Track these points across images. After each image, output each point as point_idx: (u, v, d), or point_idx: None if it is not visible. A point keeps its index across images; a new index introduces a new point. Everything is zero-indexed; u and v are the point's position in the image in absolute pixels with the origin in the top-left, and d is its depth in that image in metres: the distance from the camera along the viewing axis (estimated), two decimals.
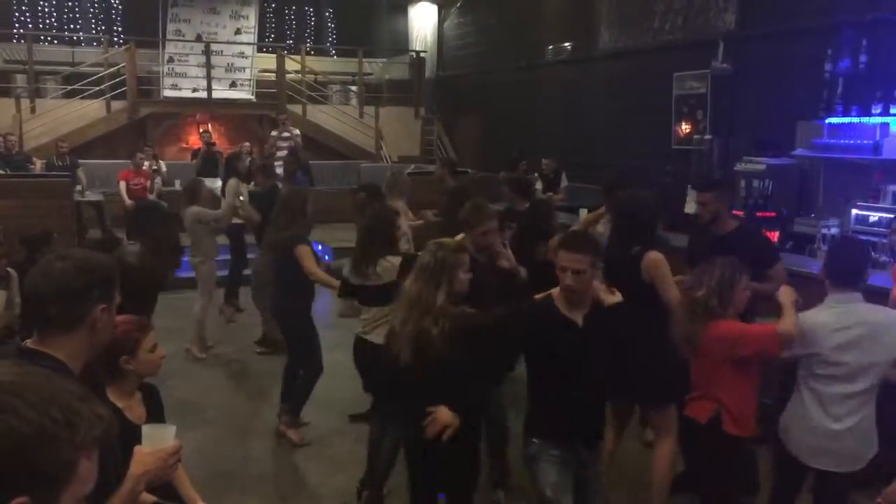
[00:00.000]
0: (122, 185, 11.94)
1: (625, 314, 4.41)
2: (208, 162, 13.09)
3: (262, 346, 7.98)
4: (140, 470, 2.13)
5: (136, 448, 2.19)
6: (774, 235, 6.93)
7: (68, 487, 1.16)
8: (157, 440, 2.31)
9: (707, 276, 3.68)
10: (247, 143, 13.48)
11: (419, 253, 3.83)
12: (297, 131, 13.90)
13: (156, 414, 3.21)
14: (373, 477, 4.79)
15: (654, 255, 4.44)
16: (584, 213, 6.08)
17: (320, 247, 6.26)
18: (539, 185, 11.39)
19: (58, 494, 1.15)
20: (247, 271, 8.93)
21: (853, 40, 7.32)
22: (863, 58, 7.17)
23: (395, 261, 4.69)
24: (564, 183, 11.21)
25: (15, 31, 16.47)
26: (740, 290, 3.69)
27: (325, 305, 8.59)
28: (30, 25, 16.65)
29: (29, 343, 2.10)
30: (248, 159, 11.83)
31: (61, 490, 1.16)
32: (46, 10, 17.13)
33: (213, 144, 13.92)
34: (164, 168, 13.58)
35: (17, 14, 16.83)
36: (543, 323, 3.50)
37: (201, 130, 15.23)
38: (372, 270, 4.74)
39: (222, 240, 8.61)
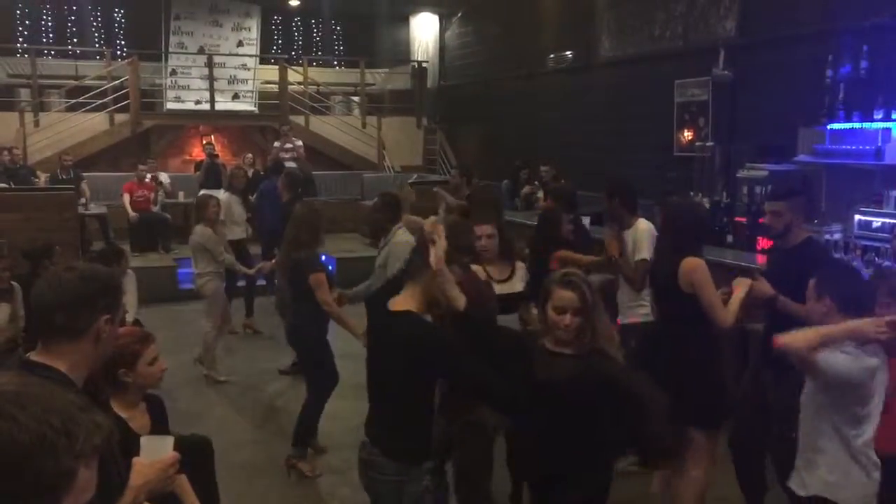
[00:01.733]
0: (126, 197, 11.99)
1: (668, 332, 4.25)
2: (211, 174, 13.11)
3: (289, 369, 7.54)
4: (140, 481, 2.16)
5: (135, 460, 2.20)
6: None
7: (67, 496, 1.17)
8: (155, 451, 2.32)
9: None
10: (249, 155, 13.51)
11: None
12: (300, 142, 13.93)
13: (160, 424, 3.22)
14: None
15: (692, 261, 4.09)
16: (586, 221, 6.00)
17: (324, 257, 6.16)
18: (540, 194, 11.41)
19: (57, 503, 1.16)
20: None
21: (854, 46, 7.34)
22: (864, 63, 7.19)
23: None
24: None
25: (18, 45, 16.55)
26: None
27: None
28: (34, 40, 16.73)
29: (32, 355, 2.12)
30: (251, 171, 11.87)
31: (60, 499, 1.16)
32: (50, 24, 17.21)
33: (217, 156, 13.96)
34: (167, 180, 13.61)
35: (20, 28, 16.91)
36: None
37: (204, 142, 15.28)
38: None
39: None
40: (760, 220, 7.20)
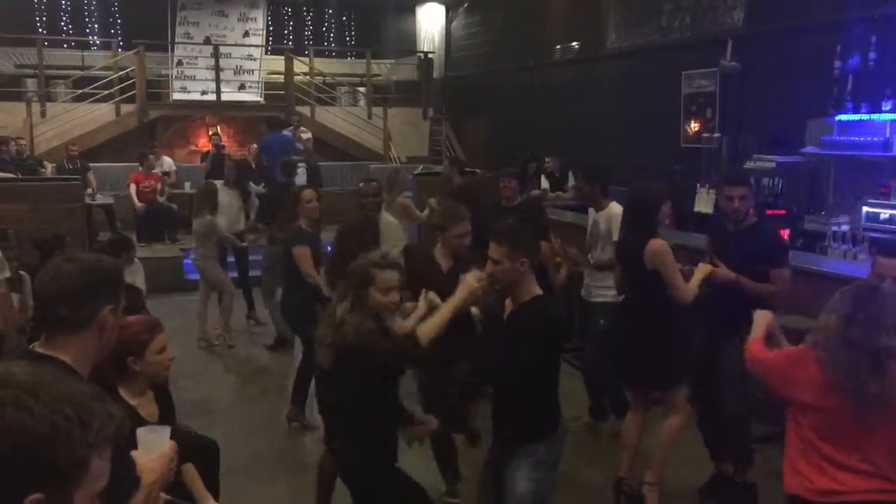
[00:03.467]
0: (133, 187, 12.00)
1: (633, 303, 4.77)
2: (217, 164, 13.12)
3: (274, 344, 8.06)
4: (152, 478, 2.19)
5: (136, 454, 2.21)
6: (785, 233, 6.91)
7: (81, 485, 1.18)
8: (154, 443, 2.32)
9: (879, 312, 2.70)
10: (254, 146, 13.50)
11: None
12: (309, 134, 13.85)
13: (167, 413, 3.24)
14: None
15: (656, 244, 4.49)
16: (592, 212, 6.11)
17: (329, 248, 6.30)
18: (546, 185, 11.39)
19: (71, 491, 1.17)
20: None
21: (862, 36, 7.30)
22: (872, 54, 7.15)
23: None
24: (572, 182, 11.20)
25: (25, 35, 16.55)
26: None
27: None
28: (41, 31, 16.73)
29: (36, 346, 2.13)
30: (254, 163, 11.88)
31: (75, 487, 1.17)
32: (56, 14, 17.20)
33: (223, 147, 13.96)
34: (171, 167, 13.63)
35: (27, 18, 16.91)
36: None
37: (211, 133, 15.29)
38: None
39: None
40: (769, 212, 7.20)
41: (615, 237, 5.39)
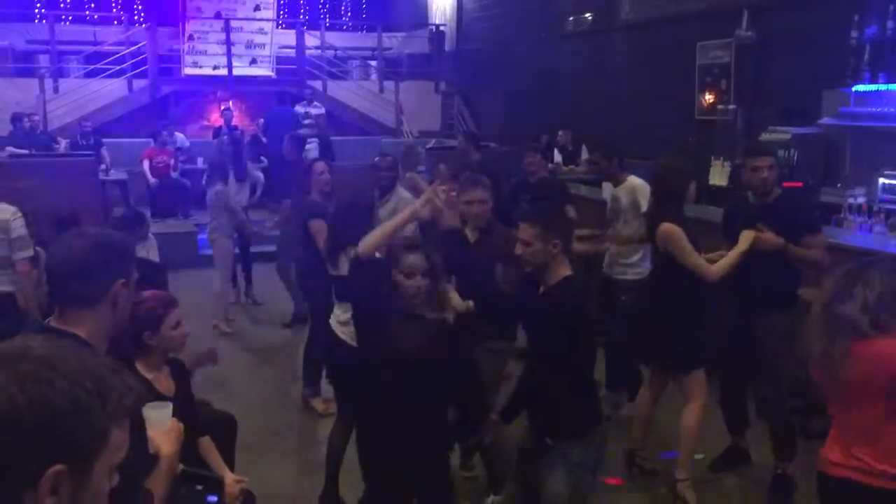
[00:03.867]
0: (146, 163, 12.04)
1: (656, 281, 4.74)
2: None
3: (291, 322, 8.04)
4: (170, 449, 2.27)
5: (154, 432, 2.25)
6: None
7: (101, 456, 1.19)
8: (157, 420, 2.36)
9: (860, 288, 2.65)
10: (261, 120, 13.49)
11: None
12: (322, 109, 13.78)
13: (183, 388, 3.27)
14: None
15: (666, 227, 4.42)
16: (607, 186, 6.10)
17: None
18: (559, 158, 11.34)
19: (92, 463, 1.18)
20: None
21: (880, 6, 7.18)
22: (890, 23, 7.03)
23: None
24: (585, 155, 11.14)
25: (36, 10, 16.54)
26: None
27: None
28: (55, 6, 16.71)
29: (51, 321, 2.15)
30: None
31: (95, 459, 1.18)
32: None
33: (236, 128, 13.93)
34: (185, 143, 13.66)
35: None
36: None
37: (223, 108, 15.28)
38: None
39: None
40: (784, 184, 7.12)
41: (643, 209, 5.33)
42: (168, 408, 2.40)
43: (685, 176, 4.73)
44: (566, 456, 3.23)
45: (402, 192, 6.17)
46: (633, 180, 5.75)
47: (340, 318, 4.44)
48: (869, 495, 2.61)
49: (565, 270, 3.28)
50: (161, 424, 2.32)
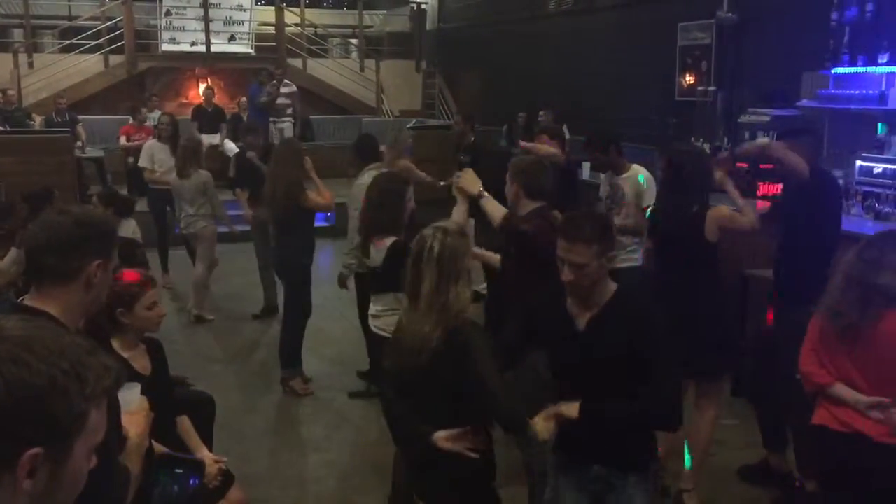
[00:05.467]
0: (123, 140, 11.89)
1: (679, 281, 4.29)
2: (210, 119, 13.00)
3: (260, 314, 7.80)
4: (139, 430, 2.24)
5: (126, 413, 2.23)
6: (778, 188, 6.89)
7: (80, 438, 1.18)
8: (124, 401, 2.33)
9: (891, 256, 2.94)
10: (243, 98, 13.35)
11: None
12: (293, 87, 13.28)
13: (160, 368, 3.25)
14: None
15: (719, 209, 4.25)
16: (608, 174, 5.92)
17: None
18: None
19: (70, 445, 1.17)
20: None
21: None
22: (870, 6, 7.06)
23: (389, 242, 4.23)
24: (567, 136, 11.12)
25: None
26: None
27: (326, 259, 8.64)
28: None
29: (25, 299, 2.13)
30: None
31: (73, 440, 1.18)
32: None
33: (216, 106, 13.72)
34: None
35: None
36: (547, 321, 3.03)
37: (204, 87, 15.05)
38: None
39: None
40: (762, 167, 7.17)
41: (645, 203, 5.24)
42: (136, 388, 2.36)
43: (707, 161, 4.60)
44: (636, 485, 2.92)
45: (362, 178, 5.84)
46: (637, 169, 5.54)
47: (373, 312, 4.30)
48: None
49: (612, 284, 2.92)
50: (127, 405, 2.29)
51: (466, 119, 8.50)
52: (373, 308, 4.33)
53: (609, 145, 5.62)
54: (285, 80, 13.29)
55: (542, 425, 2.80)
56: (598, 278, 2.83)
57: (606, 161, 5.71)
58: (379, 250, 4.24)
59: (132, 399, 2.31)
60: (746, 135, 7.76)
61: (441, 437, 2.80)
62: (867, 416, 2.96)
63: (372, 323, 4.32)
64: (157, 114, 13.35)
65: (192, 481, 2.89)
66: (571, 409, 2.77)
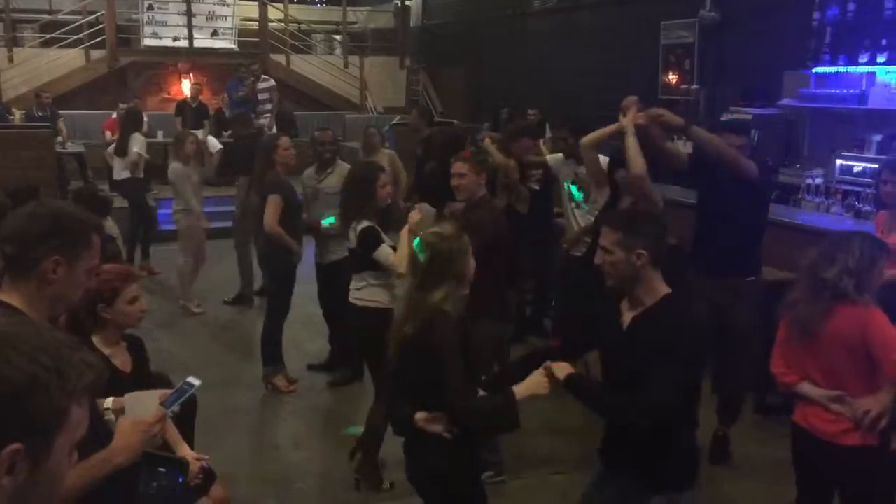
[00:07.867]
0: (109, 135, 11.78)
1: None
2: (195, 114, 12.91)
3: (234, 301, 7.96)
4: (121, 443, 2.15)
5: (121, 419, 2.21)
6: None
7: (61, 434, 1.17)
8: (140, 409, 2.32)
9: (842, 253, 3.06)
10: (225, 94, 13.25)
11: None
12: (271, 82, 13.10)
13: (141, 365, 3.22)
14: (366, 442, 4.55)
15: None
16: (558, 159, 6.00)
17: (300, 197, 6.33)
18: None
19: (51, 441, 1.16)
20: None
21: None
22: (851, 6, 7.13)
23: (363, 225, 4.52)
24: (549, 134, 11.14)
25: None
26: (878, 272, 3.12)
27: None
28: None
29: None
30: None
31: (54, 437, 1.16)
32: None
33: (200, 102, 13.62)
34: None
35: None
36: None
37: (192, 84, 14.93)
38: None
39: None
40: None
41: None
42: (154, 396, 2.37)
43: None
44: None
45: (343, 166, 6.04)
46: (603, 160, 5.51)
47: (353, 287, 4.59)
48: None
49: (662, 288, 2.79)
50: (144, 412, 2.27)
51: (422, 114, 8.55)
52: (353, 285, 4.62)
53: (580, 132, 5.60)
54: (263, 76, 13.18)
55: (538, 380, 2.80)
56: (629, 275, 2.75)
57: (573, 147, 5.72)
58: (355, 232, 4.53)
59: (145, 408, 2.30)
60: None
61: (421, 417, 2.89)
62: (830, 411, 3.10)
63: (354, 296, 4.57)
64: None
65: (175, 479, 2.88)
66: (561, 371, 2.77)
